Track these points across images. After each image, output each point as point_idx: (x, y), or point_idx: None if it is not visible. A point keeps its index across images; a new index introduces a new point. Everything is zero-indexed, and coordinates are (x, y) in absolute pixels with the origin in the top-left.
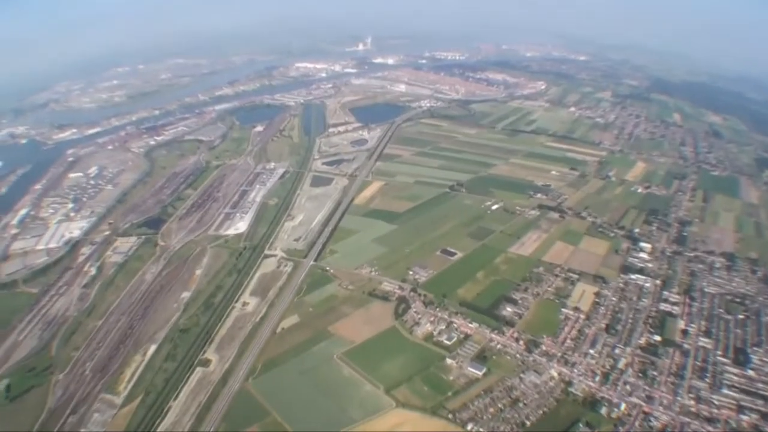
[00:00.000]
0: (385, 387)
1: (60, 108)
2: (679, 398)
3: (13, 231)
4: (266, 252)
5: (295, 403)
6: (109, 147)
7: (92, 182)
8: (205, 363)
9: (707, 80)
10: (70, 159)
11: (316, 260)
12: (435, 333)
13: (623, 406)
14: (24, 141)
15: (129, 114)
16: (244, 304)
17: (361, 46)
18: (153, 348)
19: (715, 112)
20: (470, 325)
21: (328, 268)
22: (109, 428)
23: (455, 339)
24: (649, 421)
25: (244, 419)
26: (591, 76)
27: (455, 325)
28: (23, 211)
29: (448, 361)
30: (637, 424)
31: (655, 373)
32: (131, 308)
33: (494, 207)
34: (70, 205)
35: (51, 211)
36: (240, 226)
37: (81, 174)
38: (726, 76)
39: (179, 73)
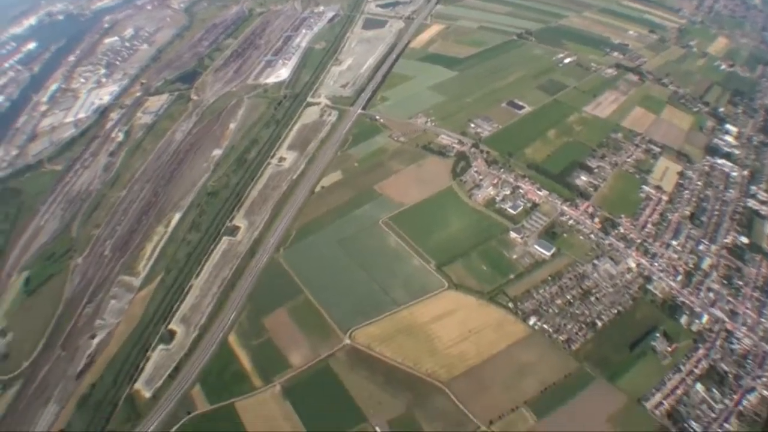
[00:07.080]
0: (437, 262)
1: None
2: (764, 319)
3: (43, 108)
4: (309, 100)
5: (330, 279)
6: (148, 7)
7: (127, 44)
8: (233, 231)
9: None
10: (106, 25)
11: (364, 108)
12: (498, 198)
13: (705, 318)
14: (61, 17)
15: None
16: (281, 159)
17: None
18: (177, 217)
19: None
20: (539, 192)
21: (377, 117)
22: (124, 317)
23: (521, 208)
24: (731, 342)
25: (271, 300)
26: None
27: (522, 191)
28: (54, 86)
29: (512, 234)
30: (718, 344)
31: (740, 282)
32: (157, 173)
33: (567, 60)
34: (102, 71)
35: (82, 80)
36: (282, 73)
37: (116, 38)
38: None
39: None
